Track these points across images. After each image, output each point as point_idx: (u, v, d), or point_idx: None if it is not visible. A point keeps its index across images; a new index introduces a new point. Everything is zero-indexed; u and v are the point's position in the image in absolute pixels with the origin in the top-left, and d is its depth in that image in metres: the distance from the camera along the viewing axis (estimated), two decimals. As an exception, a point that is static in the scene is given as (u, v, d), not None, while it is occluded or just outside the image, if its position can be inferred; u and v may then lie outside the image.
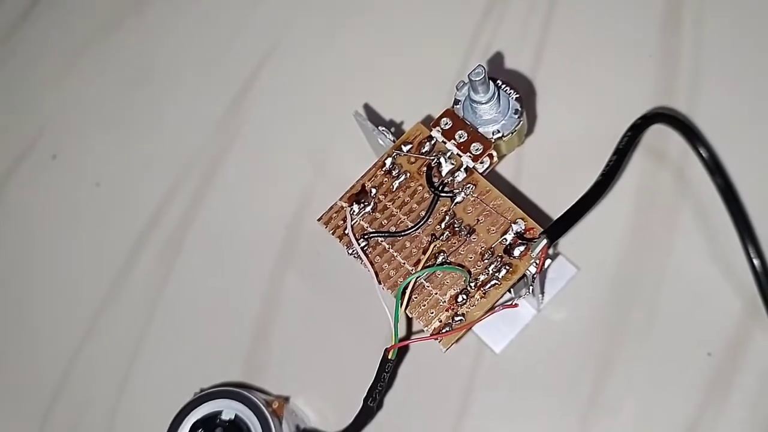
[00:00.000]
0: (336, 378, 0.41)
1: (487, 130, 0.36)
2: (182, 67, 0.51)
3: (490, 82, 0.34)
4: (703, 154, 0.39)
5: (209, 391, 0.37)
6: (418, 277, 0.34)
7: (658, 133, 0.42)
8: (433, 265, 0.34)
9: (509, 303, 0.34)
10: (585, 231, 0.41)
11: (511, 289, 0.35)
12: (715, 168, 0.39)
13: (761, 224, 0.39)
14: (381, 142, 0.38)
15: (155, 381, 0.43)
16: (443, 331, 0.34)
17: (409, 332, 0.40)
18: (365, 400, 0.35)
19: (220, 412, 0.37)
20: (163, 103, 0.50)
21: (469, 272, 0.34)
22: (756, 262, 0.38)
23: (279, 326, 0.43)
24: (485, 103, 0.35)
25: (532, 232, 0.34)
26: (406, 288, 0.33)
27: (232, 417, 0.37)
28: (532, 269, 0.34)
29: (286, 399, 0.40)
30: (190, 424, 0.37)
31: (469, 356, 0.41)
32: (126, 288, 0.45)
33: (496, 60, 0.46)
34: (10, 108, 0.51)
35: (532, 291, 0.37)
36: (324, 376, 0.41)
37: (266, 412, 0.36)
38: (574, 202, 0.35)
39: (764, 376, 0.38)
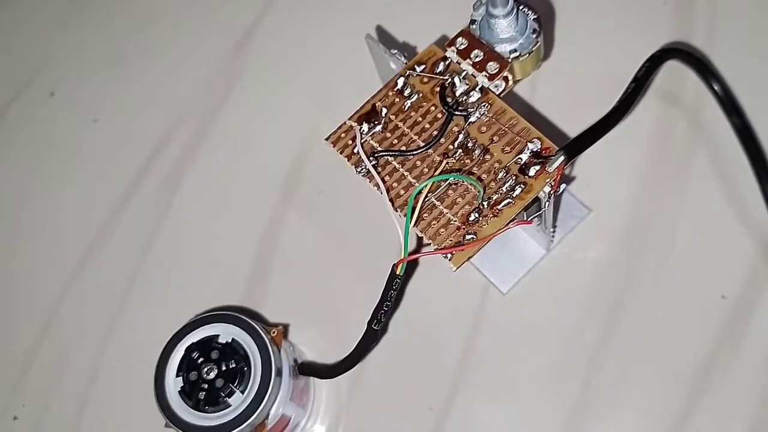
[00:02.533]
0: (336, 312, 0.40)
1: (503, 49, 0.35)
2: (186, 7, 0.49)
3: (510, -2, 0.33)
4: (719, 93, 0.38)
5: (206, 314, 0.35)
6: (430, 188, 0.33)
7: (674, 75, 0.42)
8: (447, 173, 0.32)
9: (522, 220, 0.33)
10: (598, 174, 0.40)
11: (524, 214, 0.34)
12: (731, 107, 0.38)
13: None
14: (393, 65, 0.37)
15: (150, 311, 0.41)
16: (452, 253, 0.32)
17: (419, 251, 0.39)
18: (369, 323, 0.33)
19: (217, 336, 0.35)
20: (166, 44, 0.49)
21: (483, 187, 0.33)
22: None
23: (278, 262, 0.42)
24: (503, 17, 0.33)
25: (548, 150, 0.33)
26: (418, 196, 0.32)
27: (229, 340, 0.35)
28: (547, 189, 0.33)
29: (285, 327, 0.38)
30: (185, 347, 0.35)
31: (476, 295, 0.40)
32: (123, 223, 0.44)
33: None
34: (10, 47, 0.50)
35: (544, 221, 0.36)
36: (324, 311, 0.40)
37: (265, 337, 0.35)
38: (591, 125, 0.34)
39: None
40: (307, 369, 0.37)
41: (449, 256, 0.32)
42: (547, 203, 0.33)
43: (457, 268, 0.32)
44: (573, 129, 0.39)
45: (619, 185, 0.41)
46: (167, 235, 0.43)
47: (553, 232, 0.39)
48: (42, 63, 0.49)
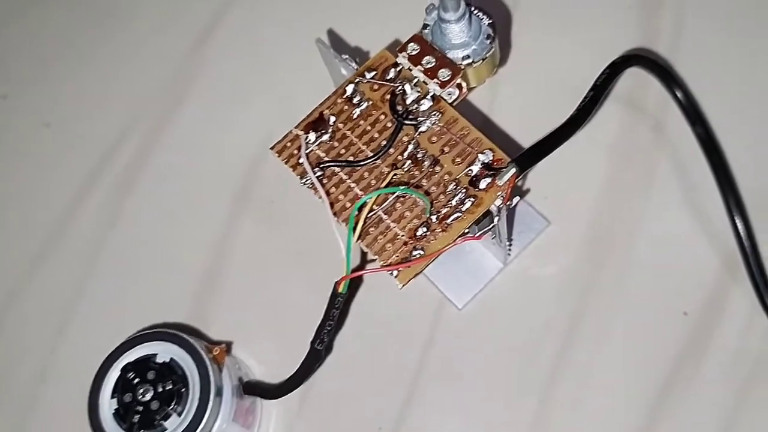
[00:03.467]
0: (287, 327, 0.38)
1: (456, 55, 0.33)
2: (144, 6, 0.47)
3: (462, 1, 0.32)
4: (683, 101, 0.36)
5: (144, 332, 0.34)
6: (377, 201, 0.31)
7: (637, 83, 0.40)
8: (395, 185, 0.31)
9: (472, 235, 0.31)
10: (557, 184, 0.39)
11: (476, 227, 0.32)
12: (695, 116, 0.37)
13: (743, 177, 0.37)
14: (344, 71, 0.35)
15: (96, 323, 0.40)
16: (397, 269, 0.31)
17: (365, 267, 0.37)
18: (312, 342, 0.32)
19: (154, 355, 0.33)
20: (123, 43, 0.47)
21: (431, 202, 0.31)
22: (736, 216, 0.36)
23: (228, 273, 0.40)
24: (455, 22, 0.32)
25: (500, 162, 0.32)
26: (360, 211, 0.30)
27: (167, 360, 0.33)
28: (498, 202, 0.31)
29: (229, 346, 0.36)
30: (121, 367, 0.33)
31: (431, 310, 0.38)
32: (73, 229, 0.42)
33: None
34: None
35: (498, 235, 0.34)
36: (275, 326, 0.39)
37: (205, 356, 0.33)
38: (546, 135, 0.32)
39: (741, 336, 0.36)
40: (252, 388, 0.36)
41: (395, 272, 0.30)
42: (499, 217, 0.32)
43: (403, 285, 0.31)
44: (531, 138, 0.37)
45: (580, 196, 0.39)
46: (116, 244, 0.42)
47: (510, 245, 0.37)
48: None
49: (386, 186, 0.31)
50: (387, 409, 0.37)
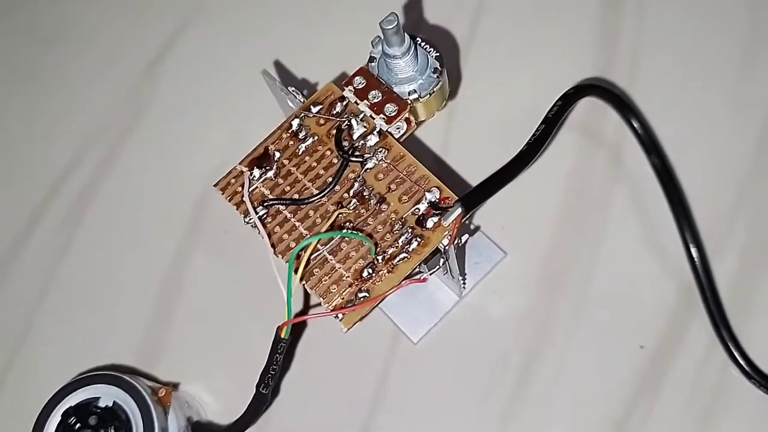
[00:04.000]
0: (236, 365, 0.37)
1: (403, 90, 0.33)
2: (97, 27, 0.46)
3: (406, 35, 0.31)
4: (639, 131, 0.36)
5: (85, 375, 0.33)
6: (315, 244, 0.30)
7: (593, 112, 0.40)
8: (332, 231, 0.30)
9: (418, 278, 0.30)
10: (513, 214, 0.39)
11: (425, 266, 0.32)
12: (651, 146, 0.36)
13: (699, 209, 0.37)
14: (291, 104, 0.34)
15: (38, 364, 0.39)
16: (342, 313, 0.30)
17: (309, 310, 0.36)
18: (257, 386, 0.31)
19: (97, 399, 0.33)
20: (75, 64, 0.46)
21: (376, 243, 0.30)
22: (692, 248, 0.35)
23: (179, 308, 0.39)
24: (400, 57, 0.31)
25: (447, 201, 0.31)
26: (300, 255, 0.30)
27: (110, 404, 0.32)
28: (445, 242, 0.30)
29: (175, 386, 0.36)
30: (62, 412, 0.32)
31: (385, 345, 0.38)
32: (19, 261, 0.41)
33: (425, 21, 0.43)
34: None
35: (450, 271, 0.34)
36: (223, 363, 0.38)
37: (148, 399, 0.32)
38: (494, 171, 0.31)
39: (698, 369, 0.35)
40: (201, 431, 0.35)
41: (339, 316, 0.30)
42: (448, 256, 0.31)
43: (348, 329, 0.30)
44: (483, 173, 0.37)
45: (536, 226, 0.39)
46: (64, 278, 0.41)
47: (464, 279, 0.37)
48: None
49: (330, 226, 0.31)
50: None
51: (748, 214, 0.38)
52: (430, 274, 0.32)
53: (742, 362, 0.34)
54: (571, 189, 0.39)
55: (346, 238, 0.31)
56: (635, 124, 0.36)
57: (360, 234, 0.30)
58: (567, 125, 0.39)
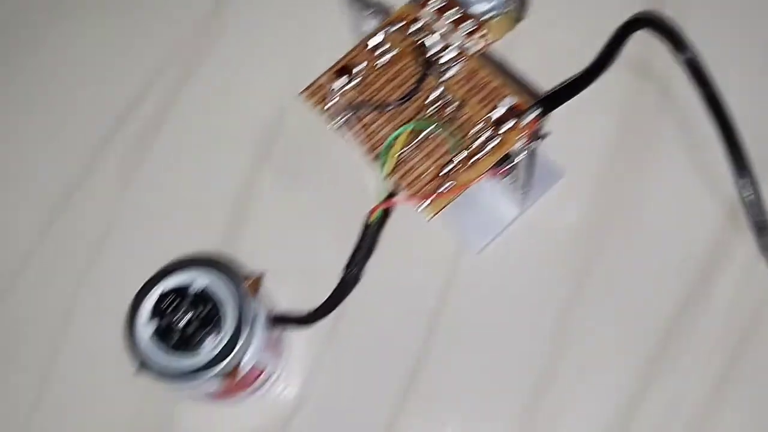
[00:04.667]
0: (310, 264, 0.40)
1: (479, 9, 0.35)
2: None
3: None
4: (690, 63, 0.39)
5: (182, 259, 0.36)
6: (405, 141, 0.33)
7: (644, 47, 0.42)
8: (422, 121, 0.33)
9: (496, 170, 0.33)
10: (569, 141, 0.41)
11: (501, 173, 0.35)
12: (701, 78, 0.39)
13: (747, 131, 0.39)
14: (369, 24, 0.37)
15: (126, 257, 0.42)
16: (428, 200, 0.33)
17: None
18: (344, 269, 0.34)
19: (191, 282, 0.35)
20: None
21: (457, 139, 0.33)
22: (740, 169, 0.37)
23: (255, 213, 0.42)
24: (479, -23, 0.34)
25: (523, 106, 0.34)
26: (394, 145, 0.32)
27: (204, 287, 0.35)
28: (521, 143, 0.33)
29: (260, 276, 0.38)
30: (159, 292, 0.35)
31: (448, 254, 0.40)
32: (100, 169, 0.44)
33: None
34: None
35: (517, 179, 0.37)
36: (299, 263, 0.41)
37: (240, 284, 0.35)
38: (566, 82, 0.35)
39: (739, 292, 0.38)
40: (281, 319, 0.38)
41: (423, 205, 0.33)
42: (520, 159, 0.34)
43: (431, 217, 0.33)
44: (547, 87, 0.40)
45: (590, 153, 0.42)
46: (145, 181, 0.43)
47: (526, 193, 0.39)
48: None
49: (414, 124, 0.33)
50: (410, 342, 0.39)
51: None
52: (505, 170, 0.34)
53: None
54: (623, 118, 0.42)
55: (428, 139, 0.34)
56: (686, 57, 0.39)
57: (445, 126, 0.33)
58: (619, 57, 0.42)
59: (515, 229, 0.41)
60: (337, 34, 0.40)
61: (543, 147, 0.40)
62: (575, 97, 0.38)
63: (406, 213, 0.40)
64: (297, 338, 0.40)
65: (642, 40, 0.41)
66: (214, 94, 0.45)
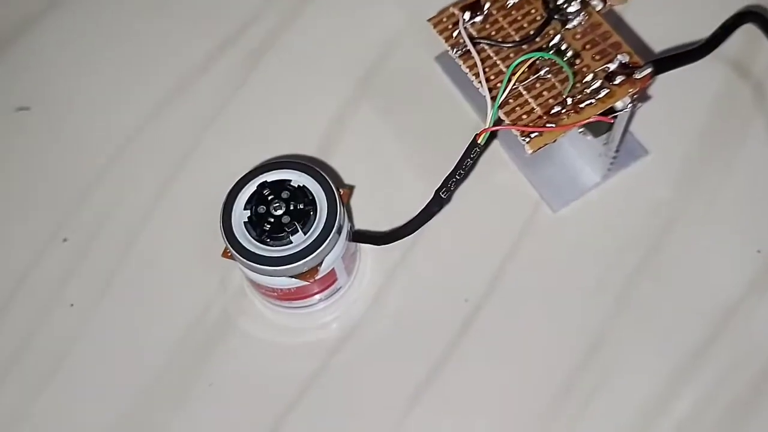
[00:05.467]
0: (392, 195, 0.42)
1: (608, -31, 0.37)
2: None
3: None
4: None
5: (283, 158, 0.37)
6: (519, 78, 0.35)
7: (749, 43, 0.44)
8: (546, 53, 0.34)
9: (604, 114, 0.35)
10: (660, 123, 0.43)
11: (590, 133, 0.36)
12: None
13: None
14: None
15: (224, 151, 0.44)
16: (534, 132, 0.34)
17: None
18: (438, 190, 0.35)
19: (290, 180, 0.37)
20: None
21: (570, 86, 0.35)
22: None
23: (351, 131, 0.44)
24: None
25: (637, 64, 0.35)
26: (510, 78, 0.34)
27: (301, 185, 0.37)
28: (627, 99, 0.35)
29: (351, 189, 0.40)
30: (258, 183, 0.37)
31: (528, 209, 0.42)
32: (207, 79, 0.46)
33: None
34: None
35: (611, 141, 0.38)
36: (380, 192, 0.42)
37: (335, 190, 0.37)
38: (681, 51, 0.36)
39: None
40: (361, 236, 0.39)
41: (530, 137, 0.34)
42: (624, 114, 0.35)
43: (534, 151, 0.34)
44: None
45: (678, 136, 0.43)
46: (251, 91, 0.45)
47: (612, 161, 0.41)
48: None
49: (534, 60, 0.35)
50: (475, 284, 0.40)
51: None
52: (612, 117, 0.36)
53: None
54: (716, 110, 0.43)
55: (541, 80, 0.35)
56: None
57: (565, 62, 0.34)
58: (718, 51, 0.43)
59: (594, 197, 0.42)
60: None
61: (634, 125, 0.42)
62: (672, 80, 0.40)
63: (497, 161, 0.41)
64: (369, 258, 0.41)
65: (749, 36, 0.43)
66: (329, 17, 0.47)
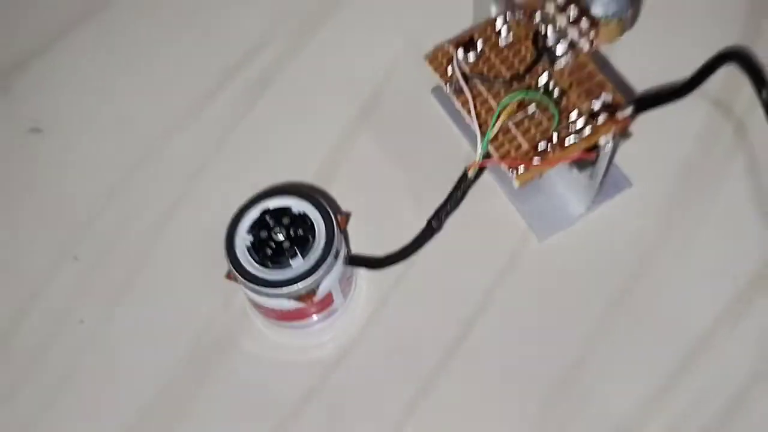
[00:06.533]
0: (388, 223, 0.44)
1: (596, 12, 0.39)
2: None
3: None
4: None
5: (285, 185, 0.40)
6: (509, 113, 0.37)
7: (730, 83, 0.46)
8: (534, 91, 0.37)
9: (588, 150, 0.37)
10: (644, 156, 0.45)
11: (575, 167, 0.38)
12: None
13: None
14: (494, 7, 0.41)
15: (224, 181, 0.46)
16: (520, 169, 0.37)
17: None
18: (430, 220, 0.38)
19: (290, 207, 0.39)
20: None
21: (556, 123, 0.37)
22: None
23: (346, 168, 0.46)
24: (605, -15, 0.38)
25: (619, 104, 0.38)
26: (500, 114, 0.36)
27: (302, 213, 0.39)
28: (609, 136, 0.37)
29: (348, 215, 0.42)
30: (261, 209, 0.39)
31: (515, 237, 0.44)
32: (218, 102, 0.49)
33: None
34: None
35: (594, 174, 0.40)
36: (376, 218, 0.44)
37: (333, 218, 0.39)
38: (660, 91, 0.38)
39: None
40: (356, 260, 0.41)
41: (517, 171, 0.36)
42: (606, 151, 0.38)
43: (521, 185, 0.36)
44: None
45: (661, 171, 0.45)
46: (253, 121, 0.48)
47: (597, 193, 0.43)
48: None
49: (522, 99, 0.37)
50: (462, 312, 0.42)
51: None
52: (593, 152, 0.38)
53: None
54: (698, 146, 0.46)
55: (529, 117, 0.38)
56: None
57: (551, 101, 0.37)
58: (702, 90, 0.46)
59: (579, 227, 0.44)
60: (456, 11, 0.44)
61: (619, 157, 0.44)
62: (657, 116, 0.43)
63: (488, 190, 0.44)
64: (365, 282, 0.43)
65: (730, 76, 0.45)
66: (331, 49, 0.49)
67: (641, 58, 0.47)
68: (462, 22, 0.44)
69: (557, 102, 0.38)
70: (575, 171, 0.40)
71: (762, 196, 0.44)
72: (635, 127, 0.43)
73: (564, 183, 0.44)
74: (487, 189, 0.44)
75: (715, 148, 0.46)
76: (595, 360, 0.41)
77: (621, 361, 0.41)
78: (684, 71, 0.43)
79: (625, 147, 0.44)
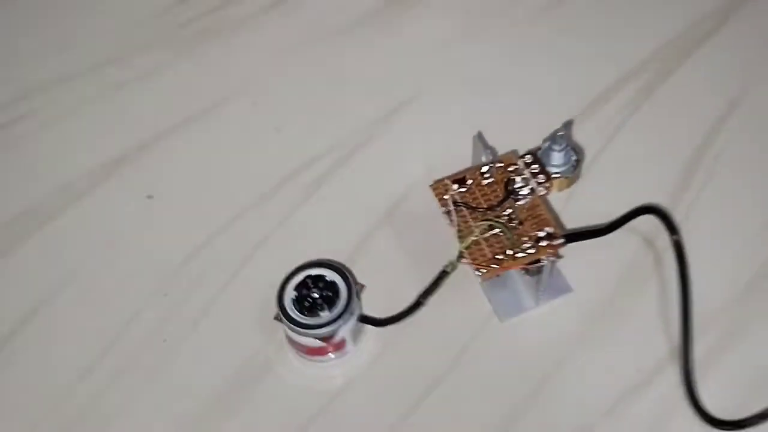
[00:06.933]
0: (391, 296, 0.59)
1: (552, 169, 0.58)
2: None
3: (565, 142, 0.57)
4: (676, 243, 0.59)
5: (320, 260, 0.57)
6: (482, 232, 0.55)
7: (655, 225, 0.62)
8: (497, 223, 0.55)
9: (532, 263, 0.55)
10: (584, 271, 0.60)
11: (530, 271, 0.56)
12: (681, 261, 0.59)
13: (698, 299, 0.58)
14: (484, 157, 0.60)
15: (275, 256, 0.62)
16: (485, 268, 0.55)
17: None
18: (419, 296, 0.55)
19: (324, 275, 0.57)
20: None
21: (512, 242, 0.55)
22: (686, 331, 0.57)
23: (369, 249, 0.62)
24: (558, 151, 0.57)
25: (557, 235, 0.56)
26: (473, 232, 0.54)
27: (332, 279, 0.57)
28: (547, 255, 0.55)
29: (362, 287, 0.60)
30: (304, 275, 0.57)
31: (481, 316, 0.61)
32: (274, 199, 0.66)
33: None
34: None
35: (540, 280, 0.58)
36: (382, 293, 0.59)
37: (354, 286, 0.56)
38: (588, 229, 0.56)
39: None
40: (365, 319, 0.59)
41: (482, 271, 0.54)
42: (545, 265, 0.56)
43: (483, 281, 0.54)
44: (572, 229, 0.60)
45: (595, 283, 0.61)
46: (309, 211, 0.64)
47: (542, 293, 0.60)
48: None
49: (489, 225, 0.55)
50: (434, 369, 0.56)
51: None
52: (535, 267, 0.56)
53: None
54: (624, 269, 0.61)
55: (494, 236, 0.55)
56: (675, 238, 0.59)
57: (509, 231, 0.55)
58: (631, 227, 0.62)
59: (530, 316, 0.61)
60: (461, 153, 0.62)
61: (565, 268, 0.62)
62: (594, 242, 0.59)
63: (464, 280, 0.61)
64: (371, 334, 0.59)
65: (654, 220, 0.61)
66: (370, 167, 0.67)
67: (582, 204, 0.63)
68: (463, 162, 0.61)
69: (515, 228, 0.56)
70: (527, 276, 0.58)
71: (669, 312, 0.59)
72: (586, 250, 0.59)
73: (522, 282, 0.61)
74: (466, 277, 0.59)
75: (637, 272, 0.60)
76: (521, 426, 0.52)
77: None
78: (613, 215, 0.60)
79: (575, 258, 0.61)
